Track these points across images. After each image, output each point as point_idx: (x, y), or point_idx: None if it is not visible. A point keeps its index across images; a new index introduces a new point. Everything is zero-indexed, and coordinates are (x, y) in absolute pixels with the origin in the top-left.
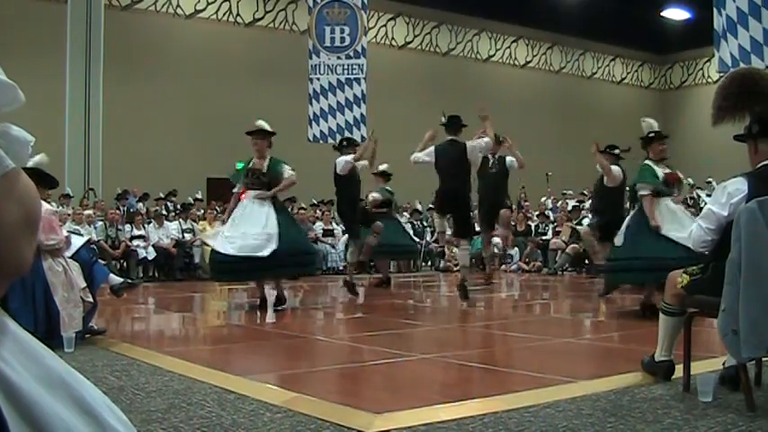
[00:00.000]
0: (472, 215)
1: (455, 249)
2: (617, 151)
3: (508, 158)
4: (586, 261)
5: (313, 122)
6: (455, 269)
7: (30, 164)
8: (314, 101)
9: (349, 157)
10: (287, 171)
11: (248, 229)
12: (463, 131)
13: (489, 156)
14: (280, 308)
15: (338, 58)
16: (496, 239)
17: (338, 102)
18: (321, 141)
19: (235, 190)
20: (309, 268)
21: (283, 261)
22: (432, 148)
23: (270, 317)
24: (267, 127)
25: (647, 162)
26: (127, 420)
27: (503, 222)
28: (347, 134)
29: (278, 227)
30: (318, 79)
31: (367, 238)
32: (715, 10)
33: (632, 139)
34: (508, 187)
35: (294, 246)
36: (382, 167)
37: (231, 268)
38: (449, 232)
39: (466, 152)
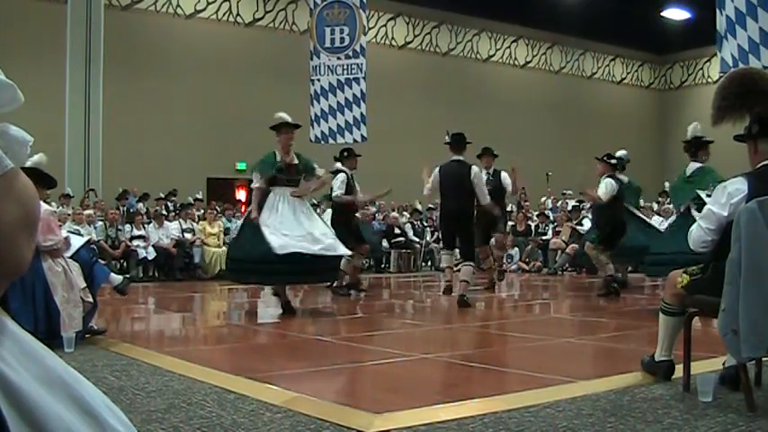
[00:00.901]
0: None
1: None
2: (614, 161)
3: (503, 174)
4: None
5: (314, 123)
6: (455, 269)
7: (28, 163)
8: (315, 102)
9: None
10: (319, 169)
11: (290, 230)
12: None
13: (482, 170)
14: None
15: (338, 58)
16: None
17: (338, 102)
18: (322, 142)
19: (257, 185)
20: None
21: (314, 268)
22: (435, 170)
23: (268, 318)
24: (289, 119)
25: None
26: (126, 420)
27: (498, 246)
28: (347, 134)
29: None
30: (319, 80)
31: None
32: (717, 10)
33: (632, 139)
34: (504, 203)
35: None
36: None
37: (244, 268)
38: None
39: (470, 173)
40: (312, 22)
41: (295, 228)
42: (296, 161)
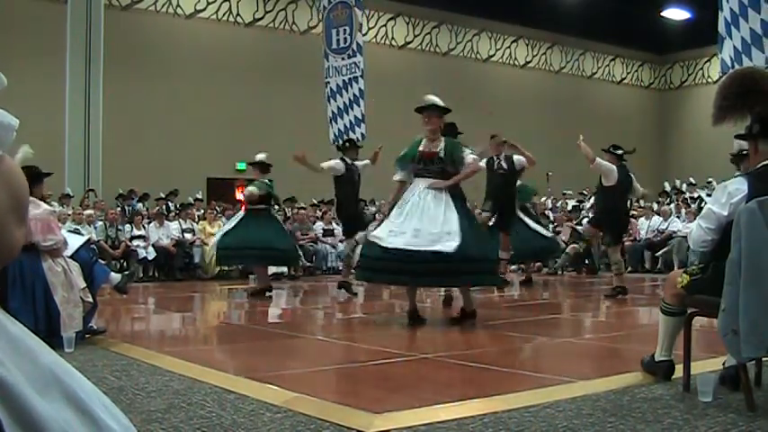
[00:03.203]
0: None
1: None
2: (620, 152)
3: (516, 157)
4: (586, 261)
5: (331, 123)
6: None
7: (20, 161)
8: (328, 103)
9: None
10: (469, 156)
11: (423, 225)
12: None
13: (494, 157)
14: (468, 321)
15: (342, 59)
16: None
17: (344, 102)
18: (334, 143)
19: (397, 177)
20: (487, 278)
21: (457, 268)
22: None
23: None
24: (440, 102)
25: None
26: (124, 419)
27: (503, 247)
28: (350, 134)
29: (459, 225)
30: (329, 83)
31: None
32: (719, 11)
33: (632, 139)
34: (515, 189)
35: (472, 250)
36: (259, 157)
37: (384, 267)
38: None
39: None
40: (322, 25)
41: (426, 224)
42: (439, 149)
